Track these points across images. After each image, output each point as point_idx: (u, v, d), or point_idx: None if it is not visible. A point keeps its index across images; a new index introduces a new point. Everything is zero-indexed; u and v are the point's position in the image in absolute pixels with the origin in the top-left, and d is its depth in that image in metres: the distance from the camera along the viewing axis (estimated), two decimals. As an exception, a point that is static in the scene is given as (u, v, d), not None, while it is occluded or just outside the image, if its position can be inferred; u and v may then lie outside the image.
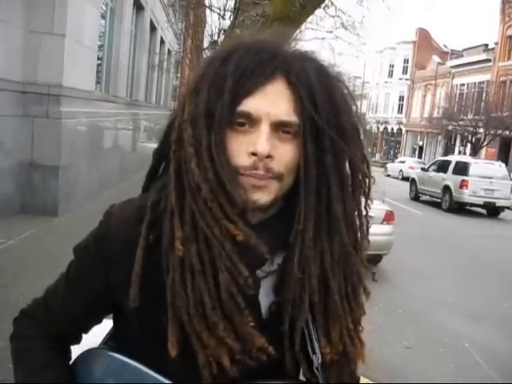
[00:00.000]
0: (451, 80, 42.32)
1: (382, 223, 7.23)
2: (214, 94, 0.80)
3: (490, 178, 16.13)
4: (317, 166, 0.82)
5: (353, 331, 0.87)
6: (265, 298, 0.85)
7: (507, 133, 29.88)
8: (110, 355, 0.92)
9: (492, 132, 31.06)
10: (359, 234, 0.89)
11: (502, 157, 31.59)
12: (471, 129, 32.73)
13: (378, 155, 53.64)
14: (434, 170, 18.09)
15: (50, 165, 7.22)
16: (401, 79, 52.00)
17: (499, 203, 16.24)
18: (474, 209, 16.75)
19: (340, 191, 0.84)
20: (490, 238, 12.04)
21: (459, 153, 36.40)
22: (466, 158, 19.03)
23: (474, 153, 32.70)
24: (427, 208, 16.91)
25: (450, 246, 10.41)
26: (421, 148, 43.55)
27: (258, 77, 0.80)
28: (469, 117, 32.89)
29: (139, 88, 14.99)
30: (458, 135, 37.34)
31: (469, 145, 35.32)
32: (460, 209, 16.33)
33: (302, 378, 0.90)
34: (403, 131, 51.60)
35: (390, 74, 53.61)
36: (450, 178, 16.63)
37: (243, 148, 0.80)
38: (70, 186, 7.73)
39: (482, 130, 31.99)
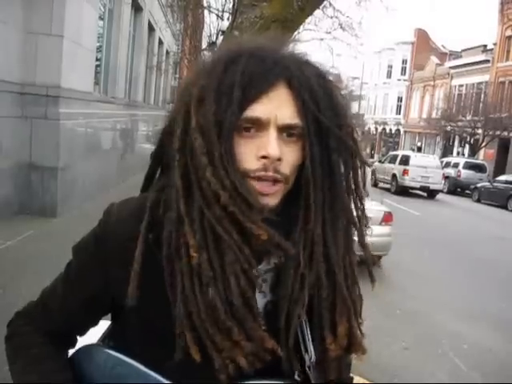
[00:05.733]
0: (450, 81, 42.33)
1: (380, 224, 7.25)
2: (222, 103, 0.82)
3: (426, 167, 20.66)
4: (322, 166, 0.86)
5: (355, 323, 0.89)
6: (261, 298, 0.87)
7: (506, 134, 29.89)
8: (106, 352, 0.92)
9: (490, 133, 31.04)
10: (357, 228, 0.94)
11: (501, 158, 31.65)
12: (470, 130, 32.73)
13: (376, 156, 53.69)
14: (387, 162, 23.09)
15: (48, 166, 7.23)
16: (399, 80, 52.01)
17: (433, 187, 20.91)
18: (416, 192, 21.31)
19: (344, 188, 0.90)
20: (487, 238, 12.07)
21: (458, 154, 36.45)
22: (409, 152, 24.62)
23: (473, 154, 32.74)
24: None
25: (446, 244, 10.45)
26: (419, 149, 43.52)
27: (262, 84, 0.82)
28: (467, 118, 32.90)
29: (137, 89, 14.99)
30: (457, 136, 37.35)
31: (467, 146, 35.34)
32: (403, 191, 20.67)
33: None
34: (401, 132, 51.60)
35: (389, 75, 53.62)
36: (396, 168, 21.50)
37: (252, 152, 0.82)
38: (68, 187, 7.73)
39: (480, 131, 31.98)
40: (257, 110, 0.81)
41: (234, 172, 0.80)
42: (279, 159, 0.81)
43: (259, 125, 0.82)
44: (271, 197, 0.83)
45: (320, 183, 0.85)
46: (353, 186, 0.92)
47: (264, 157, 0.81)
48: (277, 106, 0.82)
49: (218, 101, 0.82)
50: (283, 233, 0.85)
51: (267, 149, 0.80)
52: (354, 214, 0.93)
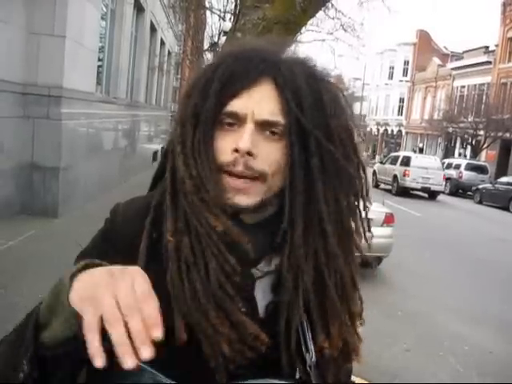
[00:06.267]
0: (451, 82, 42.30)
1: (381, 225, 7.24)
2: (202, 97, 0.84)
3: (427, 168, 20.76)
4: (304, 167, 0.84)
5: (351, 327, 0.88)
6: (262, 299, 0.87)
7: (507, 135, 29.85)
8: None
9: (492, 134, 31.01)
10: (353, 235, 0.91)
11: (502, 159, 31.61)
12: (471, 131, 32.70)
13: (377, 157, 53.67)
14: (388, 163, 23.18)
15: (50, 166, 7.24)
16: (401, 81, 51.98)
17: (433, 188, 21.03)
18: (417, 193, 21.42)
19: (325, 192, 0.85)
20: (488, 240, 12.06)
21: (459, 155, 36.40)
22: (409, 153, 24.78)
23: (474, 155, 32.71)
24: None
25: (449, 245, 10.44)
26: (421, 150, 43.46)
27: (243, 80, 0.83)
28: (469, 119, 32.87)
29: (139, 89, 15.00)
30: (458, 137, 37.29)
31: (469, 147, 35.30)
32: (404, 192, 20.70)
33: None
34: (403, 133, 51.57)
35: (391, 76, 53.60)
36: (397, 169, 21.54)
37: (228, 145, 0.83)
38: (70, 187, 7.74)
39: (482, 133, 31.96)
40: (235, 105, 0.83)
41: (203, 163, 0.81)
42: (250, 153, 0.81)
43: (238, 119, 0.83)
44: (246, 195, 0.83)
45: (301, 185, 0.84)
46: (351, 191, 0.90)
47: (236, 150, 0.81)
48: (257, 102, 0.83)
49: (199, 95, 0.85)
50: (277, 235, 0.85)
51: (238, 142, 0.81)
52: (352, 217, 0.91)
